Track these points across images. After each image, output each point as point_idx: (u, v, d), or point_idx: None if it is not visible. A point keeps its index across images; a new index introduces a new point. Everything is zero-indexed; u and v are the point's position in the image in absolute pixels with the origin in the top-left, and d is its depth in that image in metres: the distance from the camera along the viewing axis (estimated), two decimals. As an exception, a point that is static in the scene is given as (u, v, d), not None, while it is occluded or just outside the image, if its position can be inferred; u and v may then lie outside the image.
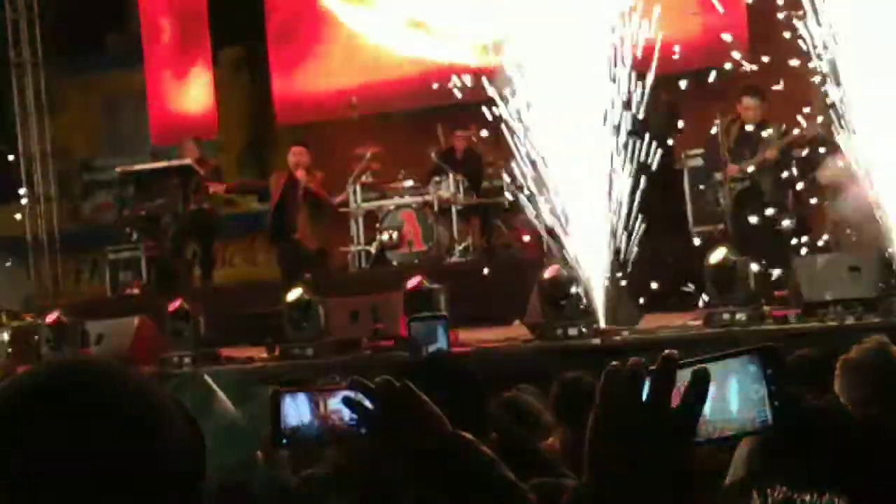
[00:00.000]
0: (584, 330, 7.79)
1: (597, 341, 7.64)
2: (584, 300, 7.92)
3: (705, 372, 1.22)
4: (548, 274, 8.09)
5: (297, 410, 1.68)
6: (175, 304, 8.84)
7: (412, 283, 8.39)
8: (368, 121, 11.69)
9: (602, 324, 7.86)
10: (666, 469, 1.22)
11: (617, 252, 9.59)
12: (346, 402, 1.63)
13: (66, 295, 12.28)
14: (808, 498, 0.91)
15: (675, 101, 10.08)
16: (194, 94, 13.77)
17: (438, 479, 1.64)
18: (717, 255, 7.75)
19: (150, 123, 13.79)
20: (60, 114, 13.43)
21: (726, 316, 7.45)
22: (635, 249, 10.05)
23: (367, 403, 1.62)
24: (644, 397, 1.23)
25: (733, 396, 1.24)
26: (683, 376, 1.25)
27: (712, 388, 1.24)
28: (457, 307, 8.63)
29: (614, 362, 1.27)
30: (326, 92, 12.85)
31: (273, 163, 12.16)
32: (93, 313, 10.06)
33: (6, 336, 9.17)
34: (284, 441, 1.69)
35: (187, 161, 11.50)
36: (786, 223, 9.11)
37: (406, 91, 12.30)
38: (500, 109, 9.19)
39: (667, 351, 1.26)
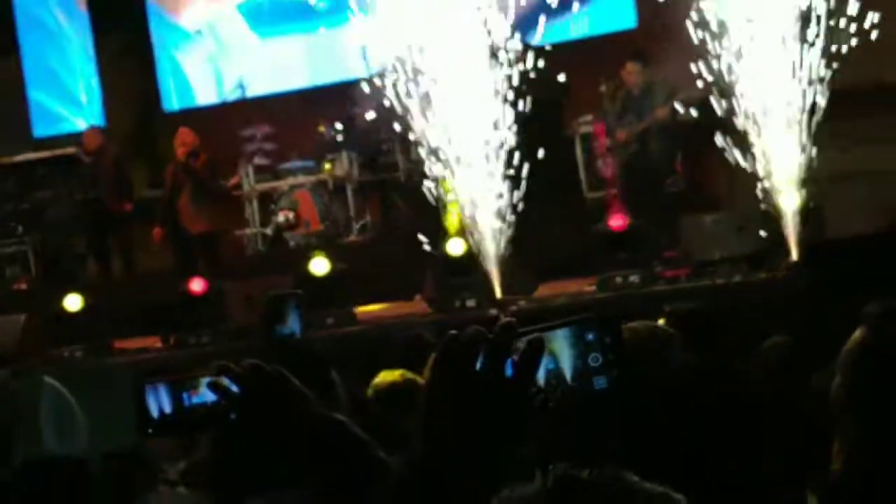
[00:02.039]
0: (481, 301, 7.81)
1: (494, 311, 7.67)
2: (480, 271, 7.95)
3: (539, 340, 1.20)
4: (443, 247, 8.09)
5: (158, 399, 1.63)
6: (66, 299, 8.63)
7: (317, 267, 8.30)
8: (256, 101, 11.52)
9: (498, 294, 7.89)
10: (496, 439, 1.19)
11: (511, 222, 9.66)
12: (212, 387, 1.59)
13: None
14: (585, 474, 0.90)
15: (561, 68, 10.14)
16: (77, 79, 13.38)
17: (309, 461, 1.61)
18: (609, 220, 7.85)
19: (32, 108, 13.35)
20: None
21: (619, 279, 7.55)
22: (530, 218, 10.15)
23: (234, 388, 1.57)
24: (478, 367, 1.20)
25: (568, 365, 1.22)
26: (521, 346, 1.22)
27: (548, 358, 1.21)
28: (356, 284, 8.60)
29: (452, 331, 1.23)
30: (213, 74, 12.62)
31: (162, 149, 11.88)
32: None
33: None
34: (150, 430, 1.64)
35: (71, 151, 11.17)
36: (673, 185, 9.27)
37: (294, 68, 12.15)
38: (390, 84, 9.14)
39: (504, 319, 1.23)
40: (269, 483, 1.80)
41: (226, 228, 10.85)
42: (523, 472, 1.24)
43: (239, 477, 1.88)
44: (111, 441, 2.19)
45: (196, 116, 11.81)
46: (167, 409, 1.62)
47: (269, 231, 10.86)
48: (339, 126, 11.16)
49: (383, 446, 1.75)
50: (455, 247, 8.01)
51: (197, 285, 8.41)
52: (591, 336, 1.22)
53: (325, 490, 1.65)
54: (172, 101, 13.09)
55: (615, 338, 1.22)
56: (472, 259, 8.06)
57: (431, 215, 10.69)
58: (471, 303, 7.88)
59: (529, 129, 9.98)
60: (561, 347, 1.22)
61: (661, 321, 2.63)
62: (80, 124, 11.99)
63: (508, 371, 1.20)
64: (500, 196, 10.41)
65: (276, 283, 8.42)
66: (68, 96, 13.41)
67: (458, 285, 8.03)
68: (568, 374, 1.22)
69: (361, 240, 10.59)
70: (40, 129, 13.40)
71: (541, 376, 1.22)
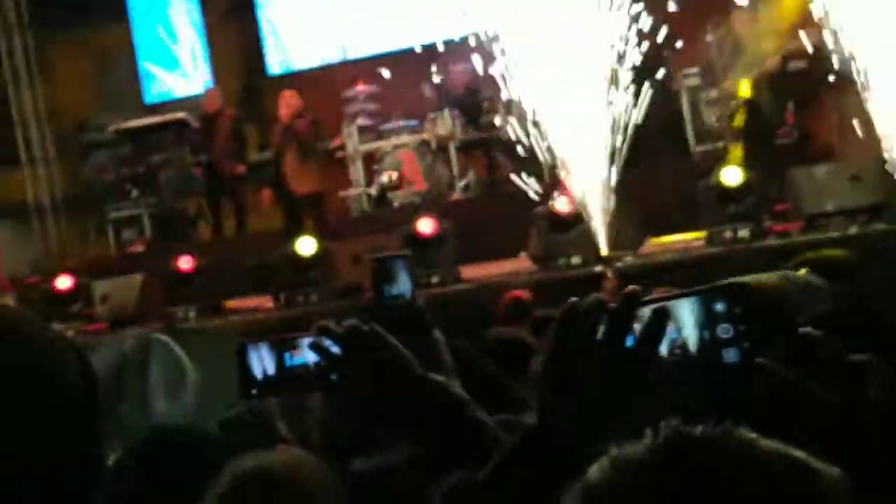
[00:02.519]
0: (586, 258, 7.74)
1: (599, 268, 7.60)
2: (585, 227, 7.87)
3: (664, 311, 1.18)
4: (549, 204, 8.03)
5: (261, 361, 1.64)
6: (179, 259, 8.85)
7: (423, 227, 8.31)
8: (359, 62, 11.56)
9: (604, 250, 7.81)
10: (616, 409, 1.18)
11: (617, 177, 9.53)
12: (313, 347, 1.60)
13: (71, 256, 12.29)
14: (699, 429, 0.87)
15: (666, 18, 9.91)
16: (185, 45, 13.65)
17: (408, 423, 1.62)
18: (718, 173, 7.68)
19: (143, 76, 13.70)
20: (51, 75, 13.34)
21: (728, 234, 7.39)
22: (636, 173, 10.00)
23: (334, 349, 1.58)
24: (600, 336, 1.18)
25: (693, 336, 1.19)
26: (645, 314, 1.19)
27: (671, 328, 1.18)
28: (461, 243, 8.62)
29: (572, 299, 1.22)
30: (316, 36, 12.72)
31: (269, 112, 12.05)
32: (99, 273, 10.08)
33: (11, 301, 9.18)
34: (252, 392, 1.65)
35: (181, 115, 11.42)
36: (785, 136, 9.01)
37: (396, 28, 12.16)
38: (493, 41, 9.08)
39: (630, 287, 1.21)
40: (373, 443, 1.82)
41: (330, 189, 10.98)
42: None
43: (346, 437, 1.90)
44: (222, 400, 2.21)
45: (300, 78, 11.93)
46: (270, 370, 1.63)
47: (373, 191, 10.95)
48: (441, 85, 11.15)
49: (491, 406, 1.75)
50: (561, 204, 7.94)
51: (303, 246, 8.52)
52: (720, 306, 1.18)
53: (426, 450, 1.66)
54: (276, 64, 13.25)
55: (747, 308, 1.18)
56: (576, 215, 7.98)
57: (534, 172, 10.65)
58: (576, 260, 7.82)
59: (635, 83, 9.83)
60: (686, 317, 1.19)
61: (801, 272, 2.48)
62: (189, 90, 12.21)
63: (630, 341, 1.18)
64: (605, 151, 10.29)
65: (382, 243, 8.50)
66: (176, 62, 13.70)
67: (563, 242, 7.97)
68: (692, 345, 1.19)
69: (465, 198, 10.59)
70: (151, 96, 13.74)
71: (663, 347, 1.19)
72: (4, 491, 0.93)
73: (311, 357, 1.61)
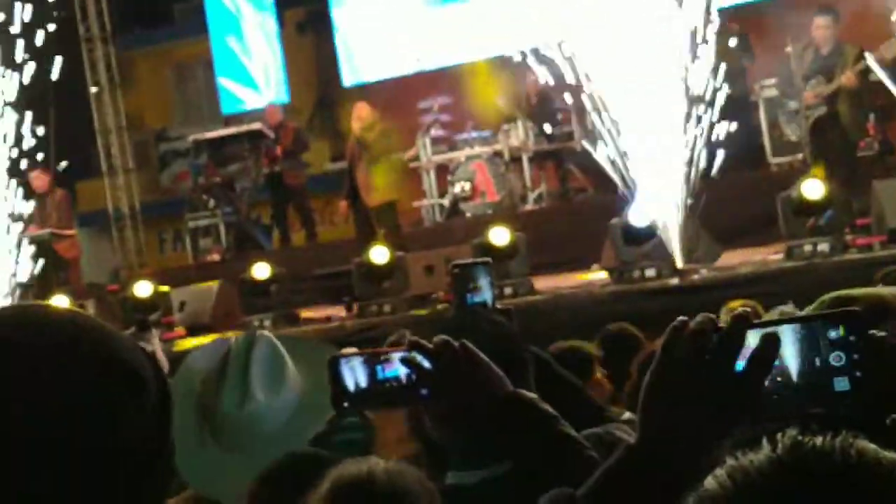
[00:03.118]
0: (661, 270, 7.66)
1: (675, 281, 7.52)
2: (660, 240, 7.79)
3: (776, 338, 1.14)
4: (622, 216, 7.96)
5: (353, 374, 1.66)
6: (254, 268, 8.95)
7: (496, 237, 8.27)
8: (433, 74, 11.62)
9: (679, 263, 7.72)
10: (722, 434, 1.16)
11: (692, 189, 9.42)
12: (405, 361, 1.62)
13: (150, 264, 12.52)
14: (818, 440, 0.85)
15: (745, 30, 9.81)
16: (262, 57, 13.86)
17: (500, 438, 1.64)
18: (797, 185, 7.54)
19: (220, 90, 13.94)
20: (132, 86, 13.63)
21: (808, 248, 7.26)
22: (712, 184, 9.88)
23: (426, 364, 1.60)
24: (708, 358, 1.16)
25: (797, 362, 1.16)
26: (752, 337, 1.16)
27: (783, 354, 1.15)
28: (533, 254, 8.59)
29: (681, 318, 1.21)
30: (390, 48, 12.81)
31: (343, 123, 12.17)
32: (176, 281, 10.25)
33: (91, 308, 9.37)
34: (345, 405, 1.67)
35: (257, 126, 11.58)
36: (866, 148, 8.83)
37: (469, 40, 12.19)
38: (566, 53, 9.05)
39: (739, 309, 1.20)
40: (468, 457, 1.82)
41: (404, 200, 11.03)
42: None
43: (440, 450, 1.90)
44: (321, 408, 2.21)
45: (374, 90, 12.02)
46: (362, 382, 1.64)
47: (446, 202, 10.98)
48: (514, 96, 11.15)
49: (572, 415, 1.74)
50: (636, 217, 7.87)
51: (376, 255, 8.57)
52: (834, 333, 1.14)
53: (518, 465, 1.67)
54: (350, 76, 13.38)
55: (863, 336, 1.14)
56: (651, 227, 7.90)
57: (608, 184, 10.58)
58: (650, 272, 7.73)
59: (713, 94, 9.71)
60: (789, 342, 1.16)
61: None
62: (263, 101, 12.39)
63: (738, 364, 1.15)
64: (682, 163, 10.17)
65: (455, 253, 8.51)
66: (251, 75, 13.92)
67: (637, 254, 7.89)
68: (794, 372, 1.16)
69: (538, 209, 10.56)
70: (228, 107, 13.97)
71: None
72: (78, 490, 0.94)
73: (402, 371, 1.63)
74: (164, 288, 9.31)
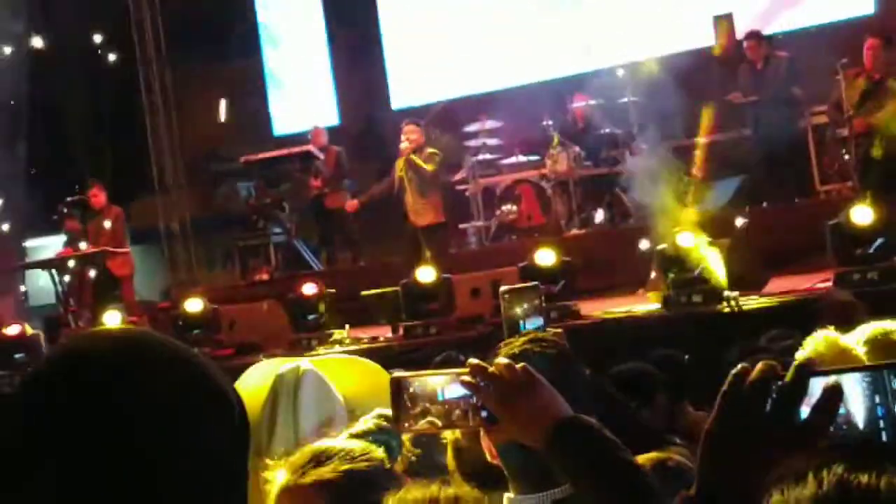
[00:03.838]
0: (707, 296, 7.63)
1: (721, 307, 7.49)
2: (708, 266, 7.76)
3: (838, 387, 1.14)
4: (670, 240, 7.95)
5: (415, 396, 1.68)
6: (305, 287, 9.02)
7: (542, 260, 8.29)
8: (481, 97, 11.70)
9: (726, 289, 7.69)
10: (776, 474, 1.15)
11: (741, 215, 9.39)
12: (466, 384, 1.64)
13: (200, 283, 12.69)
14: (864, 478, 0.87)
15: (794, 57, 9.79)
16: (313, 80, 14.03)
17: (560, 462, 1.64)
18: (846, 212, 7.50)
19: (272, 111, 14.13)
20: (185, 105, 13.85)
21: (857, 276, 7.20)
22: (760, 211, 9.85)
23: (487, 386, 1.62)
24: (770, 408, 1.16)
25: (862, 410, 1.15)
26: (815, 385, 1.15)
27: (847, 401, 1.15)
28: (579, 278, 8.59)
29: (742, 364, 1.21)
30: (439, 71, 12.92)
31: (390, 147, 12.27)
32: (226, 300, 10.38)
33: (146, 325, 9.52)
34: (406, 425, 1.70)
35: (307, 147, 11.73)
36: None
37: (519, 64, 12.27)
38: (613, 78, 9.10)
39: (804, 358, 1.21)
40: (522, 480, 1.83)
41: (451, 222, 11.10)
42: None
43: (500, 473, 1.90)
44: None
45: (422, 113, 12.10)
46: (424, 404, 1.66)
47: (492, 225, 11.03)
48: (561, 120, 11.21)
49: (629, 439, 1.76)
50: (684, 239, 7.85)
51: (423, 275, 8.62)
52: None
53: (577, 490, 1.66)
54: (400, 99, 13.51)
55: None
56: (698, 253, 7.88)
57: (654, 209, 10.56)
58: (697, 298, 7.71)
59: (762, 121, 9.71)
60: (853, 391, 1.15)
61: None
62: (313, 123, 12.53)
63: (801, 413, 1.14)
64: (729, 188, 10.16)
65: (501, 276, 8.55)
66: (302, 97, 14.09)
67: (684, 279, 7.86)
68: (860, 420, 1.14)
69: (584, 233, 10.58)
70: (279, 128, 14.15)
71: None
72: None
73: (463, 393, 1.65)
74: (215, 305, 9.42)
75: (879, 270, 7.16)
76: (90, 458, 0.95)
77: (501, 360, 1.67)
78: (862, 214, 7.37)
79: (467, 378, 1.64)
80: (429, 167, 10.52)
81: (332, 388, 2.18)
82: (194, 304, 9.17)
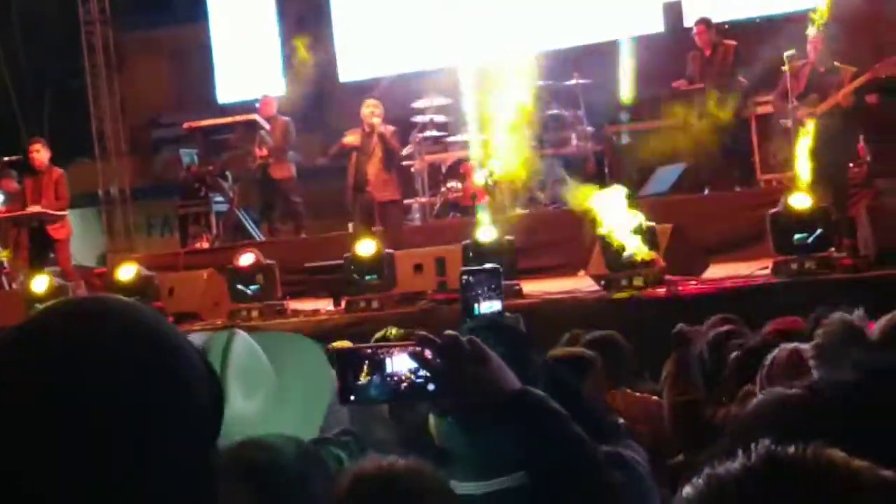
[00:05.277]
0: (649, 280, 7.72)
1: (662, 291, 7.58)
2: (649, 250, 7.84)
3: None
4: (611, 224, 8.00)
5: (360, 368, 1.65)
6: (243, 258, 8.95)
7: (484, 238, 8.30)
8: (429, 74, 11.65)
9: (667, 273, 7.78)
10: None
11: (682, 201, 9.49)
12: (414, 356, 1.62)
13: (138, 250, 12.52)
14: (791, 449, 0.89)
15: (741, 45, 9.90)
16: (260, 48, 13.86)
17: (508, 433, 1.63)
18: (786, 201, 7.62)
19: (217, 78, 13.94)
20: (128, 71, 13.61)
21: (794, 265, 7.33)
22: (702, 198, 9.97)
23: (434, 359, 1.61)
24: None
25: None
26: None
27: None
28: (522, 258, 8.63)
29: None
30: (388, 46, 12.84)
31: (336, 119, 12.17)
32: (165, 267, 10.25)
33: (82, 290, 9.38)
34: (351, 398, 1.67)
35: (253, 116, 11.59)
36: (856, 169, 8.92)
37: (468, 43, 12.23)
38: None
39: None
40: (472, 468, 1.81)
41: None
42: None
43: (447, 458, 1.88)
44: (305, 406, 2.17)
45: (370, 88, 12.03)
46: (368, 377, 1.64)
47: (436, 201, 11.02)
48: (511, 100, 11.20)
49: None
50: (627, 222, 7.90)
51: (363, 248, 8.58)
52: None
53: (528, 466, 1.66)
54: (348, 72, 13.40)
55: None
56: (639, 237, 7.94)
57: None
58: (638, 282, 7.78)
59: (707, 108, 9.80)
60: None
61: None
62: (259, 93, 12.39)
63: None
64: (672, 175, 10.26)
65: (444, 253, 8.56)
66: (249, 65, 13.91)
67: (626, 263, 7.93)
68: None
69: (528, 213, 10.61)
70: (224, 96, 13.96)
71: None
72: (137, 483, 0.95)
73: (410, 365, 1.63)
74: (150, 272, 9.31)
75: (817, 260, 7.29)
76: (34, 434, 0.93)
77: (450, 332, 1.65)
78: (799, 199, 7.50)
79: (415, 350, 1.61)
80: (396, 143, 10.53)
81: (261, 354, 2.12)
82: (127, 272, 9.04)
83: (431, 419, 1.87)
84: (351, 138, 10.61)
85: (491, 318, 1.93)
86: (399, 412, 2.38)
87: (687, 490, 0.90)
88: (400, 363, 1.64)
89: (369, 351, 1.67)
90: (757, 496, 0.86)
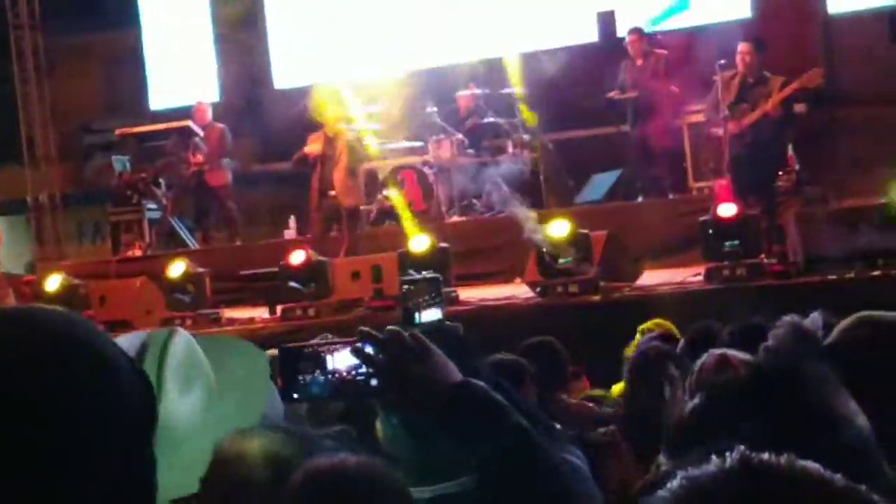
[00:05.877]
0: (584, 286, 7.79)
1: (596, 298, 7.66)
2: (583, 257, 7.92)
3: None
4: (547, 231, 8.07)
5: (304, 366, 1.66)
6: (173, 268, 8.86)
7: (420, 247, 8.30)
8: (365, 82, 11.63)
9: (601, 280, 7.87)
10: None
11: (616, 208, 9.60)
12: (356, 352, 1.61)
13: (69, 257, 12.30)
14: (765, 455, 0.91)
15: (673, 55, 10.05)
16: (193, 55, 13.72)
17: (452, 426, 1.63)
18: (717, 210, 7.75)
19: (149, 84, 13.76)
20: (59, 76, 13.38)
21: (726, 272, 7.45)
22: (635, 205, 10.10)
23: (376, 354, 1.60)
24: None
25: None
26: None
27: None
28: (458, 265, 8.66)
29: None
30: (322, 53, 12.80)
31: (271, 125, 12.08)
32: (95, 275, 10.10)
33: (12, 300, 9.19)
34: (295, 396, 1.67)
35: (186, 123, 11.46)
36: (785, 177, 9.10)
37: (404, 50, 12.26)
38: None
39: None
40: (419, 472, 1.80)
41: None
42: None
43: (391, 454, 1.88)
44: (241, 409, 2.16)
45: (306, 94, 11.97)
46: (312, 374, 1.65)
47: (373, 209, 10.99)
48: (445, 108, 11.24)
49: None
50: (558, 229, 7.98)
51: (294, 258, 8.55)
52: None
53: (471, 452, 1.63)
54: (283, 79, 13.33)
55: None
56: (575, 243, 8.02)
57: (535, 197, 10.69)
58: (573, 288, 7.86)
59: (640, 117, 9.93)
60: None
61: None
62: (195, 98, 12.28)
63: None
64: (606, 182, 10.37)
65: (381, 261, 8.55)
66: (182, 71, 13.76)
67: (561, 270, 8.01)
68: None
69: (464, 221, 10.64)
70: (157, 102, 13.79)
71: None
72: (68, 494, 0.95)
73: (352, 362, 1.63)
74: (78, 281, 9.17)
75: (748, 266, 7.43)
76: None
77: (392, 327, 1.65)
78: (727, 208, 7.64)
79: (357, 346, 1.61)
80: (360, 148, 10.46)
81: (200, 352, 2.10)
82: (53, 282, 8.92)
83: (378, 424, 1.87)
84: (314, 146, 10.47)
85: (433, 326, 1.93)
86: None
87: (664, 492, 0.91)
88: (342, 360, 1.64)
89: (311, 348, 1.66)
90: (735, 499, 0.87)
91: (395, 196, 10.76)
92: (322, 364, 1.65)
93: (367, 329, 1.64)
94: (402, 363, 1.61)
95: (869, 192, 7.82)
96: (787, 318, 1.59)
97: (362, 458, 1.64)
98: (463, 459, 1.67)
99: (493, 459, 1.62)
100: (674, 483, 0.89)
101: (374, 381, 1.63)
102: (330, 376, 1.65)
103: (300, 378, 1.66)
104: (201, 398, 2.09)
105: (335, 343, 1.69)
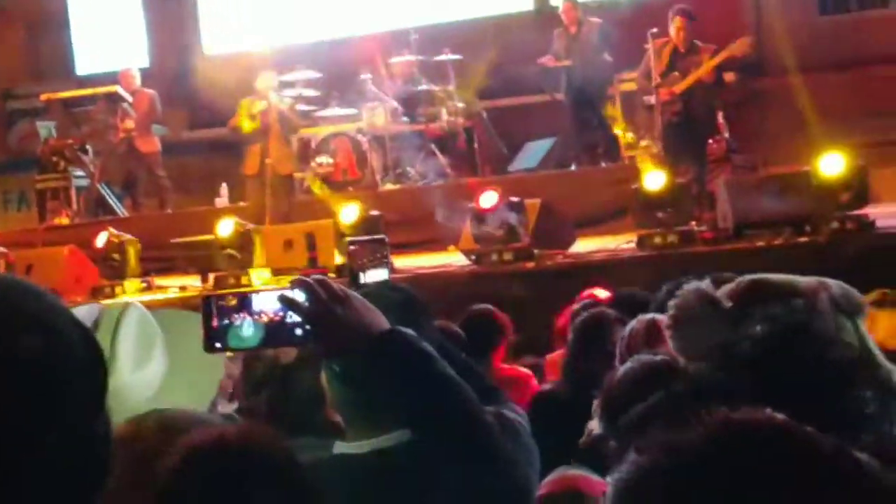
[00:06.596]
0: (518, 254, 7.82)
1: (531, 265, 7.69)
2: (518, 224, 7.95)
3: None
4: (480, 200, 8.08)
5: (226, 313, 1.61)
6: (106, 234, 8.71)
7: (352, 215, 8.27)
8: (299, 47, 11.51)
9: (535, 248, 7.90)
10: None
11: (549, 176, 9.65)
12: (283, 299, 1.58)
13: (-7, 226, 12.03)
14: (745, 414, 0.91)
15: (606, 23, 10.08)
16: (121, 18, 13.43)
17: (379, 371, 1.62)
18: (649, 177, 7.82)
19: (76, 48, 13.44)
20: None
21: (658, 239, 7.54)
22: (568, 172, 10.16)
23: (304, 302, 1.58)
24: None
25: None
26: None
27: None
28: (392, 234, 8.63)
29: None
30: (254, 18, 12.63)
31: (202, 91, 11.88)
32: (21, 244, 9.88)
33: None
34: (217, 345, 1.63)
35: (114, 88, 11.22)
36: (715, 144, 9.22)
37: (340, 16, 12.14)
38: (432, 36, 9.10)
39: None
40: (355, 429, 1.78)
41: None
42: None
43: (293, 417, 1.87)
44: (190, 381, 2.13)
45: (238, 61, 11.80)
46: (235, 322, 1.60)
47: (306, 177, 10.90)
48: (380, 74, 11.16)
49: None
50: (486, 200, 7.98)
51: (222, 228, 8.46)
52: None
53: (400, 400, 1.63)
54: (213, 45, 13.12)
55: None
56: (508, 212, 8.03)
57: (470, 164, 10.71)
58: (507, 256, 7.89)
59: (574, 85, 9.97)
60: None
61: None
62: (121, 64, 12.02)
63: None
64: (540, 150, 10.41)
65: (314, 229, 8.49)
66: (109, 36, 13.48)
67: (496, 237, 8.02)
68: None
69: (398, 189, 10.61)
70: (83, 67, 13.49)
71: None
72: (12, 464, 0.92)
73: (278, 309, 1.59)
74: (3, 249, 8.97)
75: (679, 234, 7.52)
76: None
77: (317, 276, 1.64)
78: (654, 179, 7.71)
79: (284, 293, 1.58)
80: (295, 116, 10.36)
81: (155, 326, 2.08)
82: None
83: (323, 378, 1.86)
84: (246, 121, 10.30)
85: (380, 284, 1.93)
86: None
87: (641, 456, 0.89)
88: (267, 302, 1.59)
89: (236, 296, 1.62)
90: (719, 460, 0.86)
91: (328, 164, 10.68)
92: (248, 310, 1.60)
93: (300, 277, 1.62)
94: (328, 309, 1.58)
95: (796, 160, 7.96)
96: (690, 284, 1.59)
97: (244, 424, 1.60)
98: (397, 412, 1.67)
99: (422, 410, 1.61)
100: (653, 447, 0.87)
101: (299, 330, 1.60)
102: (256, 322, 1.60)
103: (224, 327, 1.61)
104: (155, 373, 2.06)
105: (260, 289, 1.65)
